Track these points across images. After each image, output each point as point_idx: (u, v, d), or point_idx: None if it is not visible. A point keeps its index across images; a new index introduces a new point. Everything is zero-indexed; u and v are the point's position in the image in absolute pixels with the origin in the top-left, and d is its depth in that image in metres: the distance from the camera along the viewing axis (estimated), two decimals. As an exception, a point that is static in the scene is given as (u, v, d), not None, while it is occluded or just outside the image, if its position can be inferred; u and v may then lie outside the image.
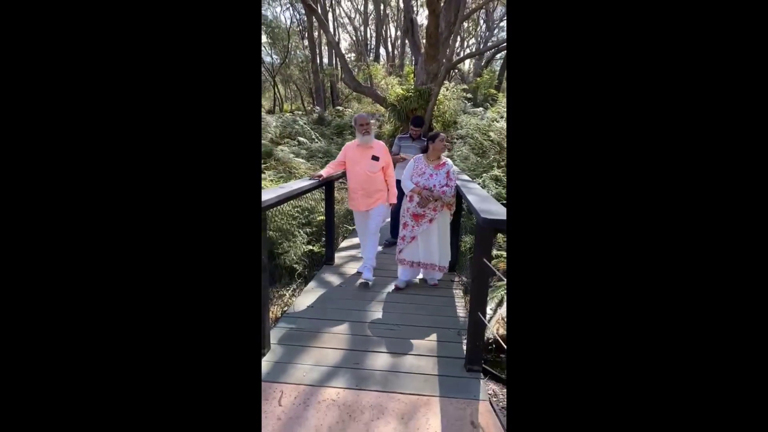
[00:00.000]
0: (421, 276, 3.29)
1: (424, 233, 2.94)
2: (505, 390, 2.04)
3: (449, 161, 2.95)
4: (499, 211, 1.90)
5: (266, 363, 2.09)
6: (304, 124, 10.29)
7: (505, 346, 1.99)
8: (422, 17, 16.28)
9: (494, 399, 1.92)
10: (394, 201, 3.27)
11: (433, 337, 2.40)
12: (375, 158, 3.10)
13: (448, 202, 2.88)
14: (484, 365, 2.09)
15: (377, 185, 3.16)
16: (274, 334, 2.37)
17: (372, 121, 3.15)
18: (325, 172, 3.11)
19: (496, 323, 2.52)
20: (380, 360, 2.15)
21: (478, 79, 13.52)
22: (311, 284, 3.25)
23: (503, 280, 2.84)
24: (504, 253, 3.14)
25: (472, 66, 19.17)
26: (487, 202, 2.20)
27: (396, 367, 2.08)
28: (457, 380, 1.97)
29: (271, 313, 2.71)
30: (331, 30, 18.05)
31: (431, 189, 2.84)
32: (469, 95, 9.84)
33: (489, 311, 2.72)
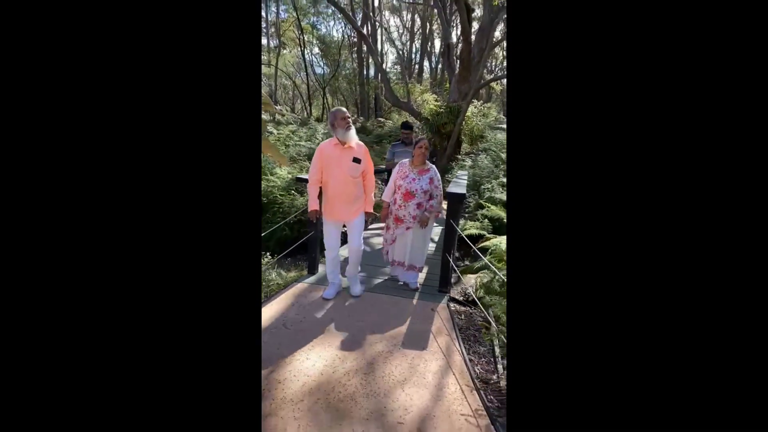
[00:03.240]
0: (401, 280, 3.44)
1: (402, 236, 3.25)
2: (458, 306, 3.31)
3: (433, 167, 3.18)
4: (458, 191, 3.24)
5: (315, 277, 3.51)
6: (348, 132, 11.91)
7: (478, 301, 3.28)
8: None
9: (451, 306, 3.19)
10: (371, 210, 3.07)
11: (423, 277, 3.71)
12: (356, 160, 2.85)
13: (437, 210, 3.16)
14: (450, 294, 3.36)
15: (359, 191, 2.95)
16: (321, 268, 3.78)
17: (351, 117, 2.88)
18: (313, 202, 2.91)
19: (475, 288, 3.77)
20: (384, 283, 3.49)
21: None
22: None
23: (480, 256, 4.06)
24: (483, 233, 4.36)
25: (513, 83, 20.09)
26: (458, 186, 3.55)
27: (394, 285, 3.42)
28: (430, 295, 3.28)
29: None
30: (379, 45, 19.87)
31: (414, 192, 3.07)
32: (494, 113, 11.03)
33: (473, 281, 3.96)
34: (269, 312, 2.81)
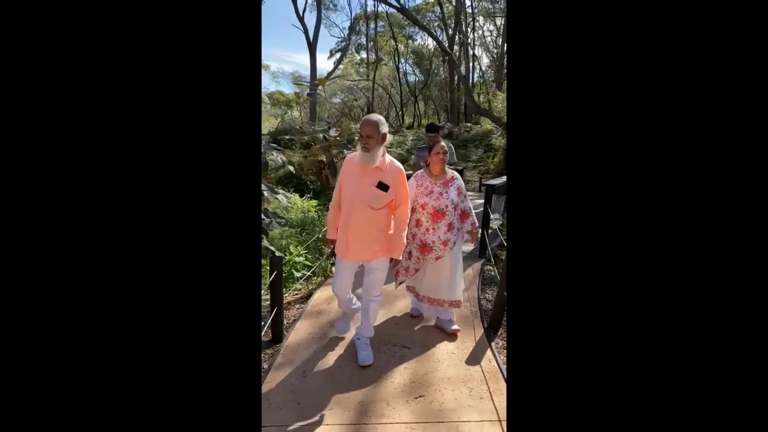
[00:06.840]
0: (430, 316, 2.91)
1: (432, 266, 2.67)
2: (489, 266, 4.62)
3: (457, 174, 2.70)
4: (492, 182, 4.60)
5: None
6: (435, 138, 13.44)
7: (495, 269, 4.62)
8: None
9: (484, 268, 4.51)
10: (398, 257, 2.34)
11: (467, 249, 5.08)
12: (383, 186, 2.15)
13: (476, 229, 2.73)
14: (486, 258, 4.69)
15: (380, 229, 2.24)
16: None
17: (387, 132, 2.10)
18: (331, 229, 2.35)
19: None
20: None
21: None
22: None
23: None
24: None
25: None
26: (496, 180, 4.89)
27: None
28: (471, 259, 4.65)
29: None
30: (472, 50, 21.05)
31: (443, 209, 2.55)
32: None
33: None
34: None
